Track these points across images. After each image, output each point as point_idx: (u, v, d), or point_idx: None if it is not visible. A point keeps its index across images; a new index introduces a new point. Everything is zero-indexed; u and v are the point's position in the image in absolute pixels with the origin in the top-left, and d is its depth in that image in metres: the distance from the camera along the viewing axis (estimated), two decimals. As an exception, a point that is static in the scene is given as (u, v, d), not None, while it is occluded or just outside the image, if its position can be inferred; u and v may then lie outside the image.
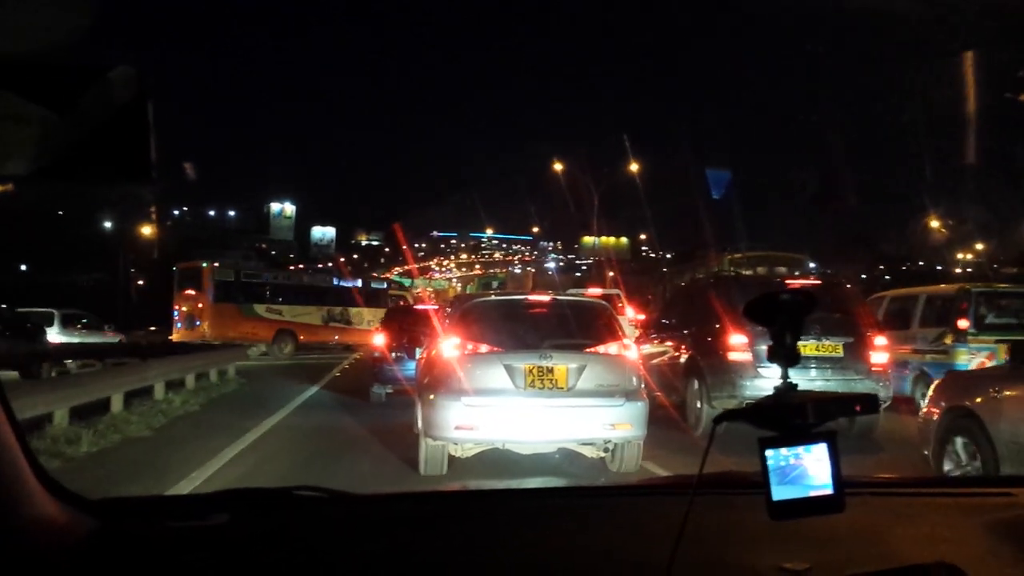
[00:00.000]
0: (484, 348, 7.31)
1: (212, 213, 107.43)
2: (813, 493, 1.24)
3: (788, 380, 1.31)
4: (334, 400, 14.63)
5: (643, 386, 7.63)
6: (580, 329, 7.76)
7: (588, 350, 7.46)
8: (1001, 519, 1.79)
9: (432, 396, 7.21)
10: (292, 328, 29.57)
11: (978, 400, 6.39)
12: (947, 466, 6.62)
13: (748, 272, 23.24)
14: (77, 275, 49.73)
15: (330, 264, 61.10)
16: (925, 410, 7.07)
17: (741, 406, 1.49)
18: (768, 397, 1.30)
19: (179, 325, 30.03)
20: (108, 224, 55.01)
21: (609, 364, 7.40)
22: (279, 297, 30.72)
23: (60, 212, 51.29)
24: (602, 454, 7.56)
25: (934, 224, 56.14)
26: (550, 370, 7.13)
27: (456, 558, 1.61)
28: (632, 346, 7.89)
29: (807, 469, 1.24)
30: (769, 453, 1.23)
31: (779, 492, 1.23)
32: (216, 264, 31.44)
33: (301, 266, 70.07)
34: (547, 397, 7.07)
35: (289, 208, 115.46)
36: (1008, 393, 6.12)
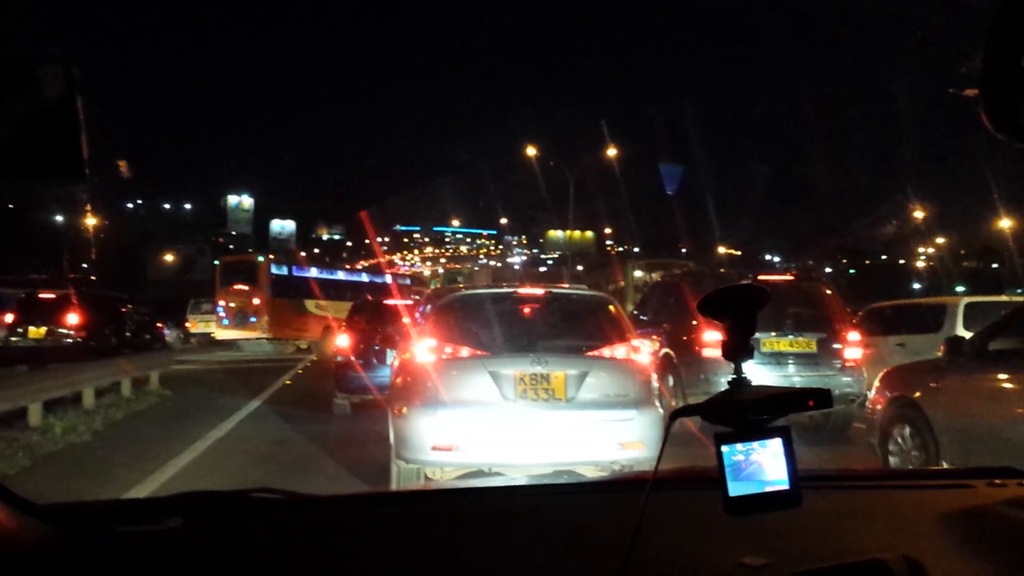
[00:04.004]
0: (465, 352, 6.23)
1: (167, 206, 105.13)
2: (769, 488, 1.23)
3: (742, 375, 1.30)
4: (283, 415, 11.83)
5: (657, 396, 6.64)
6: (580, 328, 6.73)
7: (590, 353, 6.40)
8: (960, 511, 1.80)
9: (404, 410, 6.15)
10: (335, 325, 28.81)
11: (919, 391, 6.82)
12: (891, 453, 7.03)
13: (656, 276, 23.98)
14: (29, 271, 48.01)
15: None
16: (871, 401, 7.46)
17: None
18: (722, 393, 1.29)
19: (225, 322, 29.48)
20: (59, 218, 53.52)
21: (616, 370, 6.36)
22: (324, 293, 30.14)
23: (10, 206, 49.79)
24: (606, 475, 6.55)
25: (896, 217, 56.50)
26: (545, 377, 6.07)
27: (413, 558, 1.60)
28: (643, 348, 6.79)
29: (762, 464, 1.23)
30: (724, 449, 1.23)
31: (735, 488, 1.22)
32: (272, 257, 31.24)
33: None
34: (542, 410, 6.02)
35: (247, 201, 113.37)
36: (945, 384, 6.58)
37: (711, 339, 9.51)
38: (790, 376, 9.62)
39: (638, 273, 31.87)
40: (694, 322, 10.01)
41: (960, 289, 39.10)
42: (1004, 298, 13.25)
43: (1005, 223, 45.34)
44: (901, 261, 61.32)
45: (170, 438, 9.60)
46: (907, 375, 7.50)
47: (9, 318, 22.16)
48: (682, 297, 10.83)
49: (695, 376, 9.90)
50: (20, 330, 21.30)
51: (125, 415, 11.93)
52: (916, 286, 49.22)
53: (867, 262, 65.47)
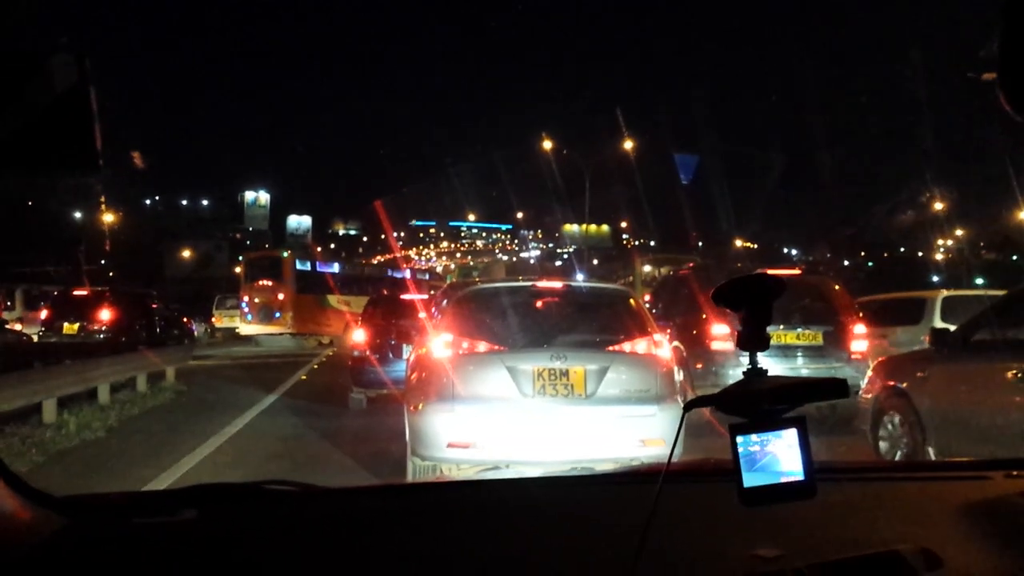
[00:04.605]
0: (482, 347, 6.11)
1: (185, 202, 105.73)
2: (784, 479, 1.23)
3: (757, 366, 1.29)
4: (298, 410, 11.77)
5: (679, 392, 6.50)
6: (600, 322, 6.59)
7: (611, 348, 6.26)
8: (978, 503, 1.78)
9: (420, 406, 6.07)
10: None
11: (907, 380, 7.21)
12: (881, 439, 7.43)
13: (664, 271, 25.06)
14: (47, 266, 48.35)
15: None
16: (864, 390, 7.85)
17: None
18: (737, 383, 1.28)
19: (250, 317, 29.91)
20: (77, 214, 53.93)
21: (637, 365, 6.21)
22: (346, 288, 30.44)
23: (29, 203, 50.06)
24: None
25: (912, 207, 56.01)
26: (564, 373, 5.94)
27: (426, 549, 1.60)
28: (664, 343, 6.61)
29: (777, 455, 1.23)
30: (739, 439, 1.22)
31: (750, 479, 1.22)
32: (296, 253, 31.66)
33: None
34: (561, 406, 5.91)
35: (264, 197, 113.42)
36: (931, 373, 6.99)
37: (719, 332, 9.92)
38: (797, 368, 9.97)
39: (647, 268, 32.16)
40: (703, 316, 10.32)
41: (979, 282, 38.66)
42: (981, 292, 13.93)
43: (1025, 214, 44.87)
44: (919, 254, 60.75)
45: (185, 434, 9.59)
46: (897, 365, 7.85)
47: (44, 314, 22.64)
48: (691, 291, 11.18)
49: (703, 368, 10.17)
50: (47, 327, 21.98)
51: (140, 411, 11.91)
52: (935, 279, 48.66)
53: (885, 255, 64.91)
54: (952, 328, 7.62)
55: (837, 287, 11.36)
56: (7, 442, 8.67)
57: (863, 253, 67.76)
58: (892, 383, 7.41)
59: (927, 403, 6.84)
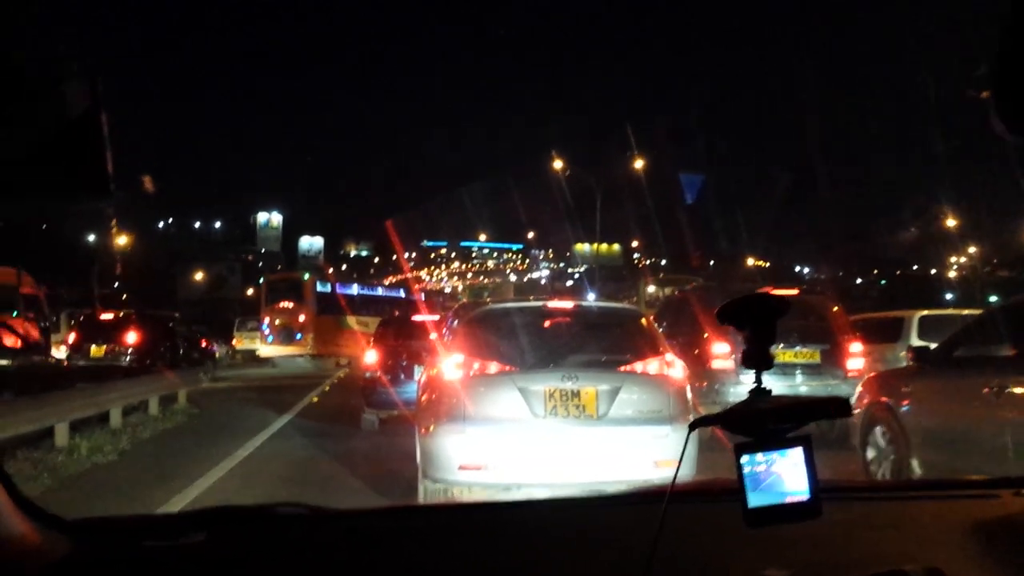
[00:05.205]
0: (493, 367, 6.09)
1: (197, 224, 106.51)
2: (789, 499, 1.22)
3: (761, 385, 1.29)
4: (310, 433, 11.83)
5: (692, 413, 6.43)
6: (612, 343, 6.56)
7: (623, 368, 6.23)
8: (986, 521, 1.76)
9: (431, 427, 6.05)
10: None
11: (893, 395, 7.47)
12: (869, 452, 7.64)
13: (668, 291, 25.66)
14: (61, 289, 48.56)
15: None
16: (854, 405, 7.87)
17: None
18: (742, 402, 1.27)
19: (270, 339, 30.03)
20: (91, 237, 54.29)
21: (650, 385, 6.18)
22: (363, 309, 30.82)
23: (43, 226, 50.32)
24: None
25: (921, 222, 55.77)
26: (576, 394, 5.88)
27: (439, 572, 1.60)
28: (676, 362, 6.55)
29: (782, 475, 1.22)
30: (744, 459, 1.21)
31: (754, 499, 1.21)
32: (317, 275, 32.13)
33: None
34: (573, 427, 5.86)
35: (276, 218, 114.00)
36: (914, 388, 7.30)
37: (719, 351, 10.15)
38: (796, 386, 10.18)
39: (651, 288, 32.54)
40: (704, 335, 10.48)
41: (992, 299, 38.45)
42: (955, 311, 14.90)
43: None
44: (933, 271, 60.41)
45: (196, 457, 9.55)
46: (883, 381, 8.11)
47: (72, 337, 23.07)
48: (692, 311, 11.34)
49: (704, 387, 10.16)
50: (74, 350, 22.23)
51: (152, 434, 11.89)
52: (948, 296, 48.34)
53: (898, 272, 64.55)
54: (930, 346, 7.93)
55: (835, 307, 11.56)
56: (19, 466, 8.61)
57: (875, 271, 67.41)
58: (879, 398, 7.66)
59: (911, 417, 7.10)
